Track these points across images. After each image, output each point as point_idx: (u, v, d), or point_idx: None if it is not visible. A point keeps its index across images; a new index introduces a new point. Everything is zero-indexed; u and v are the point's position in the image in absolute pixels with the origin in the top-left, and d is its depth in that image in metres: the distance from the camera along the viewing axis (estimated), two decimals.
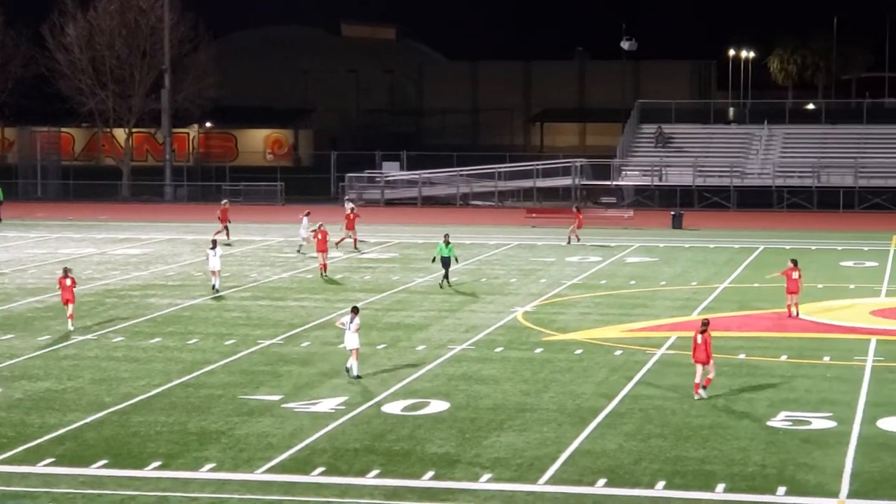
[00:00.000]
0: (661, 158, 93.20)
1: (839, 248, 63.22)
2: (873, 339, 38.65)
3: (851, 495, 23.84)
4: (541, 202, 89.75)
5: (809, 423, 28.86)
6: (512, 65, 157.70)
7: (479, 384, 32.84)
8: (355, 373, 33.62)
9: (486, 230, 68.72)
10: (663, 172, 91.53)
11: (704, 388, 31.29)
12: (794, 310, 42.96)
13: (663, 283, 51.31)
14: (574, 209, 67.98)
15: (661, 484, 24.49)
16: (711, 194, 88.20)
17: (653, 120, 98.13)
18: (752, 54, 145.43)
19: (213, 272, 48.81)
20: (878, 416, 29.34)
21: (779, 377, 33.63)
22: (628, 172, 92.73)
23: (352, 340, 33.62)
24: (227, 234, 64.71)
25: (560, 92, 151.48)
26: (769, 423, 28.75)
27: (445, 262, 49.91)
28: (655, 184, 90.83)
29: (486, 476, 24.98)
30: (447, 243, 49.74)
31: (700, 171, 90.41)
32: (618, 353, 36.93)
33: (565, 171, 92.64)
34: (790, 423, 28.77)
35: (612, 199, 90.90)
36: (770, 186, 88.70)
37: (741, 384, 32.70)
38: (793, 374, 33.88)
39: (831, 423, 28.74)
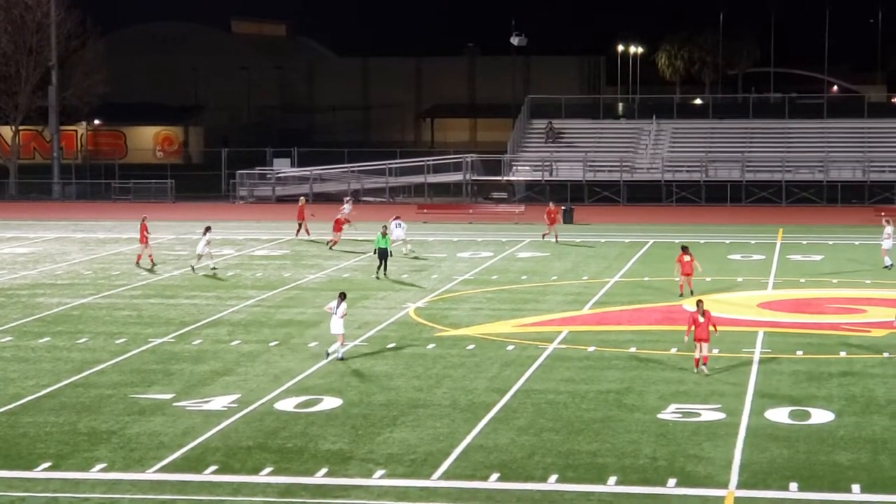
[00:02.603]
0: (551, 153, 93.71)
1: (727, 241, 63.98)
2: (761, 331, 39.12)
3: (741, 486, 24.09)
4: (432, 198, 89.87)
5: (699, 415, 29.12)
6: (402, 61, 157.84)
7: (372, 380, 32.81)
8: (339, 355, 34.73)
9: (377, 227, 68.40)
10: (554, 167, 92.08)
11: (704, 364, 32.96)
12: (686, 289, 44.96)
13: (554, 277, 51.60)
14: (550, 205, 66.12)
15: (553, 477, 24.59)
16: (601, 189, 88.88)
17: (543, 115, 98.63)
18: (640, 50, 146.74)
19: (199, 255, 52.38)
20: (765, 407, 29.69)
21: (669, 370, 33.92)
22: (519, 168, 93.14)
23: (336, 326, 34.48)
24: (307, 231, 65.05)
25: (450, 88, 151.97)
26: (660, 416, 28.98)
27: (383, 254, 50.74)
28: (546, 179, 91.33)
29: (380, 472, 24.96)
30: (384, 235, 50.88)
31: (590, 165, 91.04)
32: (510, 348, 37.02)
33: (456, 167, 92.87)
34: (680, 416, 29.02)
35: (503, 195, 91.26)
36: (659, 181, 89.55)
37: (632, 377, 32.94)
38: (683, 367, 34.13)
39: (720, 415, 29.02)
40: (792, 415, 29.07)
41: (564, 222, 73.19)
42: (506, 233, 68.63)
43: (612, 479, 24.46)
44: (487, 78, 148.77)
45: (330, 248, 60.38)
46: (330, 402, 30.42)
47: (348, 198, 73.87)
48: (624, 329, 40.04)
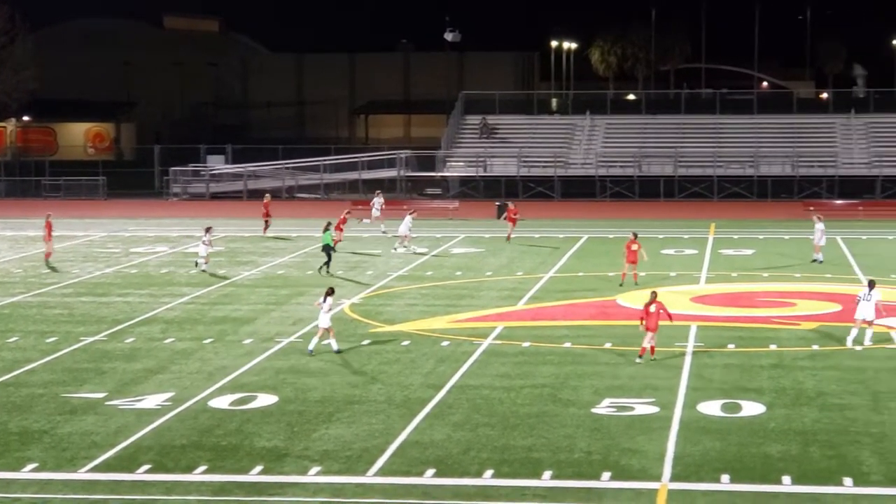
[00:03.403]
0: (485, 149, 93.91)
1: (660, 236, 64.32)
2: (693, 325, 39.31)
3: (674, 478, 24.24)
4: (366, 194, 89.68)
5: (633, 408, 29.26)
6: (336, 57, 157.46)
7: (307, 377, 32.73)
8: (310, 347, 35.23)
9: (311, 223, 68.41)
10: (488, 163, 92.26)
11: (641, 357, 33.92)
12: (630, 278, 46.35)
13: (489, 273, 51.69)
14: (510, 205, 64.70)
15: (489, 472, 24.64)
16: (536, 184, 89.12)
17: (477, 111, 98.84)
18: (573, 46, 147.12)
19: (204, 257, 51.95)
20: (698, 400, 29.89)
21: (603, 365, 34.07)
22: (453, 163, 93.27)
23: (323, 320, 35.08)
24: (265, 229, 64.69)
25: (385, 84, 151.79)
26: (594, 410, 29.10)
27: (326, 250, 51.14)
28: (480, 174, 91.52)
29: (315, 469, 24.92)
30: (326, 230, 51.53)
31: (524, 161, 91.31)
32: (445, 343, 37.05)
33: (390, 163, 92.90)
34: (614, 410, 29.15)
35: (438, 191, 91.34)
36: (593, 176, 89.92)
37: (567, 372, 33.03)
38: (617, 362, 34.32)
39: (654, 409, 29.20)
40: (724, 408, 29.27)
41: (498, 218, 73.31)
42: (440, 229, 68.68)
43: (547, 474, 24.54)
44: (422, 74, 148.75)
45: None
46: (265, 399, 30.32)
47: (378, 191, 73.24)
48: (558, 324, 40.14)
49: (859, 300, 36.36)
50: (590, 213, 77.94)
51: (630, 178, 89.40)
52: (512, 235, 62.24)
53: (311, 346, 35.51)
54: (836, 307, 42.51)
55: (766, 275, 50.47)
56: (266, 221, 64.94)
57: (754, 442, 26.52)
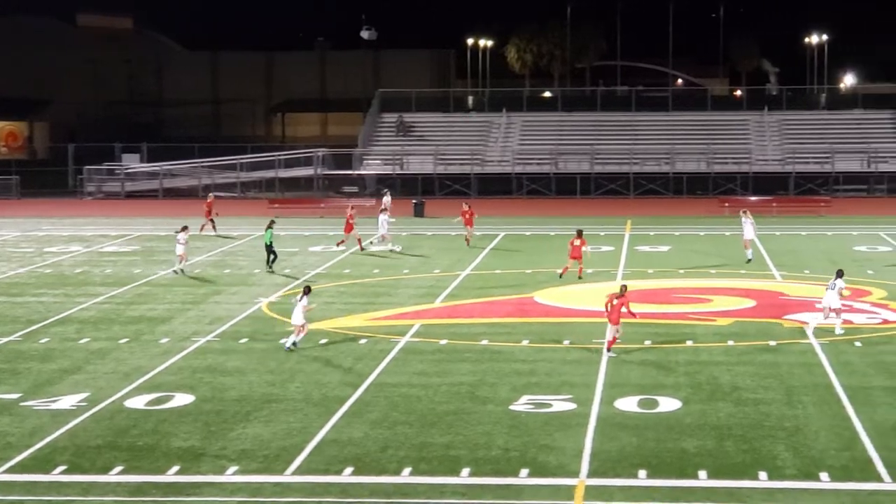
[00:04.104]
0: (402, 147, 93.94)
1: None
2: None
3: (591, 474, 24.35)
4: (283, 193, 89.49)
5: (550, 405, 29.34)
6: (253, 55, 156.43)
7: (225, 376, 32.61)
8: (292, 343, 35.56)
9: (228, 221, 68.11)
10: (404, 161, 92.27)
11: (608, 349, 34.51)
12: (573, 272, 47.53)
13: (406, 271, 51.68)
14: (464, 206, 61.74)
15: (407, 470, 24.67)
16: (452, 182, 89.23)
17: (394, 109, 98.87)
18: (489, 43, 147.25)
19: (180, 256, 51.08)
20: (615, 396, 30.04)
21: (521, 362, 34.13)
22: (370, 162, 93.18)
23: (297, 317, 35.31)
24: (214, 227, 63.76)
25: (301, 82, 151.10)
26: (512, 408, 29.16)
27: (268, 248, 51.27)
28: (397, 172, 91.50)
29: (233, 469, 24.82)
30: (269, 228, 51.90)
31: (441, 159, 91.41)
32: (363, 341, 37.00)
33: (307, 162, 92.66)
34: (532, 407, 29.23)
35: (355, 189, 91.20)
36: (510, 173, 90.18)
37: (484, 370, 33.10)
38: (534, 359, 34.40)
39: (571, 406, 29.29)
40: (641, 403, 29.45)
41: (415, 215, 73.38)
42: (357, 227, 68.34)
43: (466, 471, 24.58)
44: (338, 72, 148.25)
45: (337, 245, 58.67)
46: (182, 399, 30.17)
47: (386, 189, 72.59)
48: (476, 322, 40.20)
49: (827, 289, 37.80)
50: (506, 211, 78.13)
51: (546, 176, 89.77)
52: (470, 238, 59.83)
53: (288, 343, 35.64)
54: (750, 303, 42.97)
55: (681, 271, 50.84)
56: (211, 221, 64.25)
57: (671, 437, 26.69)
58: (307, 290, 36.07)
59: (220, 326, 39.42)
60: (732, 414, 28.57)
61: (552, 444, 26.27)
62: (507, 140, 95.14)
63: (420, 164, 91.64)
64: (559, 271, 48.93)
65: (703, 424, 27.70)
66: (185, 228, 52.02)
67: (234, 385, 31.62)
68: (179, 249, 51.03)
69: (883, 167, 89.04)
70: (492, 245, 59.75)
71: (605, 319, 34.92)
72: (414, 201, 76.15)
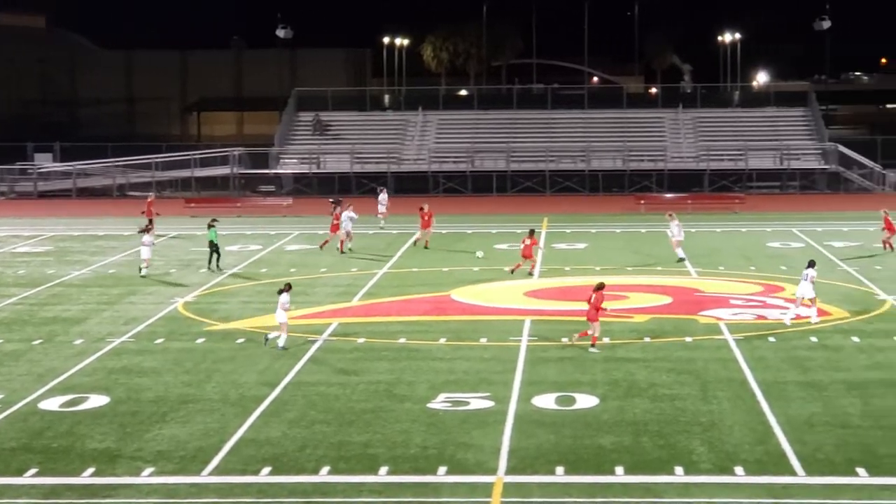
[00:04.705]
0: (318, 146, 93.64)
1: (494, 231, 64.71)
2: (527, 319, 39.67)
3: (509, 472, 24.44)
4: (199, 192, 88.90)
5: (468, 403, 29.40)
6: (167, 54, 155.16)
7: (140, 377, 32.39)
8: (283, 342, 35.31)
9: (144, 221, 67.41)
10: (321, 160, 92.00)
11: (581, 340, 35.15)
12: (524, 269, 47.84)
13: (323, 270, 51.51)
14: (424, 207, 59.18)
15: (325, 469, 24.64)
16: (369, 180, 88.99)
17: (310, 108, 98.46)
18: (405, 42, 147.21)
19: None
20: (532, 394, 30.12)
21: (438, 360, 34.17)
22: (286, 160, 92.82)
23: (280, 315, 35.27)
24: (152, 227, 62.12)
25: (217, 81, 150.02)
26: (430, 406, 29.21)
27: (212, 246, 50.68)
28: (314, 171, 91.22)
29: (149, 470, 24.68)
30: (211, 227, 51.17)
31: (357, 157, 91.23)
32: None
33: (223, 161, 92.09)
34: (450, 405, 29.28)
35: (271, 188, 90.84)
36: (426, 172, 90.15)
37: (402, 368, 33.13)
38: (452, 357, 34.45)
39: (489, 403, 29.36)
40: (558, 400, 29.56)
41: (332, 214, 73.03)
42: (274, 226, 68.35)
43: (384, 469, 24.61)
44: (254, 71, 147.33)
45: (320, 247, 57.37)
46: (97, 401, 29.93)
47: (383, 187, 71.88)
48: (393, 320, 40.17)
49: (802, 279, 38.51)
50: None
51: (463, 174, 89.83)
52: (429, 241, 58.35)
53: (281, 343, 35.46)
54: (667, 299, 43.25)
55: (598, 268, 51.00)
56: (150, 221, 63.41)
57: (588, 434, 26.83)
58: (287, 288, 35.88)
59: (135, 327, 39.13)
60: (649, 410, 28.76)
61: (470, 441, 26.31)
62: (423, 138, 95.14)
63: (336, 163, 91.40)
64: (509, 269, 49.00)
65: (619, 421, 27.86)
66: (147, 230, 51.32)
67: (150, 386, 31.40)
68: (145, 252, 49.75)
69: (795, 164, 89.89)
70: (409, 243, 59.66)
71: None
72: (331, 200, 75.79)
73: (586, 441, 26.34)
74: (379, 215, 65.82)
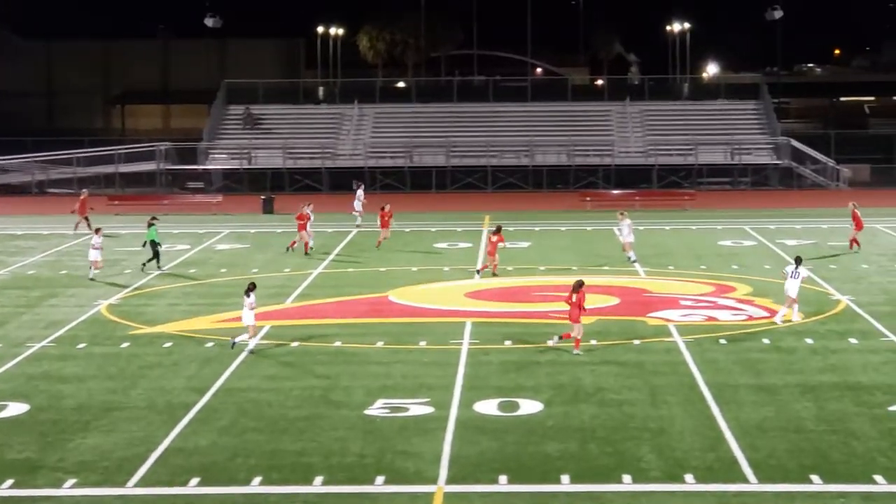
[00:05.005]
0: (249, 141, 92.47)
1: (433, 229, 63.92)
2: (468, 321, 38.90)
3: (450, 481, 23.95)
4: (123, 188, 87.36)
5: (407, 409, 28.83)
6: (89, 44, 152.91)
7: (62, 383, 31.53)
8: (253, 344, 34.85)
9: (66, 219, 66.09)
10: (252, 155, 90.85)
11: (576, 348, 34.24)
12: (492, 269, 47.39)
13: (255, 270, 50.42)
14: (386, 207, 57.31)
15: (257, 479, 24.06)
16: (303, 177, 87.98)
17: (240, 101, 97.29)
18: (341, 32, 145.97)
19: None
20: (474, 399, 29.53)
21: (376, 364, 33.49)
22: (216, 156, 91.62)
23: (247, 317, 34.82)
24: (89, 225, 60.20)
25: (142, 72, 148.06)
26: (367, 412, 28.57)
27: (153, 245, 49.36)
28: (245, 167, 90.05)
29: (71, 481, 24.01)
30: (151, 225, 49.92)
31: (290, 153, 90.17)
32: (209, 344, 36.04)
33: (149, 156, 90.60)
34: (388, 411, 28.69)
35: (200, 184, 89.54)
36: (362, 167, 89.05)
37: (338, 372, 32.44)
38: (390, 361, 33.80)
39: (429, 409, 28.79)
40: (501, 406, 29.01)
41: (264, 212, 72.04)
42: (203, 224, 67.21)
43: (319, 479, 24.08)
44: (181, 62, 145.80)
45: (287, 249, 55.13)
46: (16, 409, 29.15)
47: (360, 183, 70.33)
48: (329, 322, 39.35)
49: (787, 277, 38.08)
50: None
51: (401, 169, 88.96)
52: (382, 240, 56.66)
53: (251, 346, 34.84)
54: (614, 300, 42.50)
55: (542, 268, 50.27)
56: (86, 218, 62.02)
57: (532, 441, 26.30)
58: (252, 287, 35.15)
59: (56, 331, 38.17)
60: (596, 415, 28.21)
61: (409, 449, 25.80)
62: (359, 133, 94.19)
63: (268, 159, 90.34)
64: (479, 268, 48.64)
65: (565, 427, 27.32)
66: (98, 231, 49.64)
67: (72, 393, 30.60)
68: (93, 255, 47.80)
69: (747, 159, 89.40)
70: (344, 242, 58.80)
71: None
72: (262, 197, 74.76)
73: (530, 448, 25.79)
74: (356, 213, 64.30)
